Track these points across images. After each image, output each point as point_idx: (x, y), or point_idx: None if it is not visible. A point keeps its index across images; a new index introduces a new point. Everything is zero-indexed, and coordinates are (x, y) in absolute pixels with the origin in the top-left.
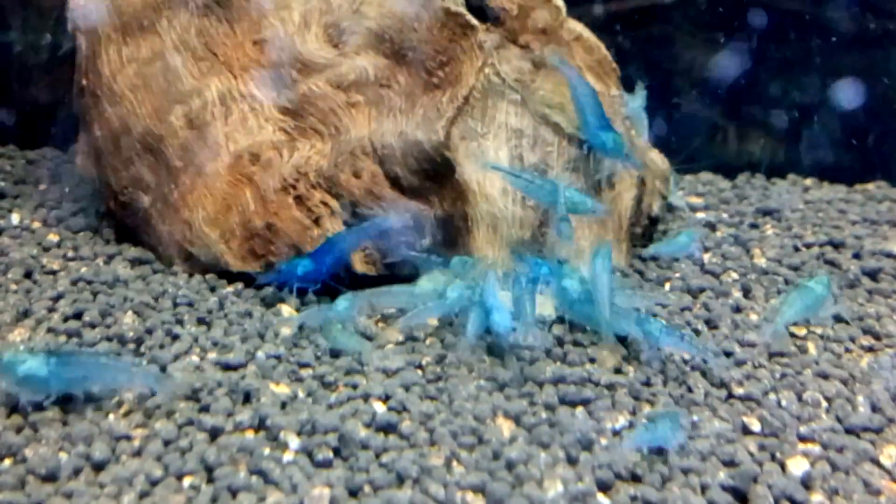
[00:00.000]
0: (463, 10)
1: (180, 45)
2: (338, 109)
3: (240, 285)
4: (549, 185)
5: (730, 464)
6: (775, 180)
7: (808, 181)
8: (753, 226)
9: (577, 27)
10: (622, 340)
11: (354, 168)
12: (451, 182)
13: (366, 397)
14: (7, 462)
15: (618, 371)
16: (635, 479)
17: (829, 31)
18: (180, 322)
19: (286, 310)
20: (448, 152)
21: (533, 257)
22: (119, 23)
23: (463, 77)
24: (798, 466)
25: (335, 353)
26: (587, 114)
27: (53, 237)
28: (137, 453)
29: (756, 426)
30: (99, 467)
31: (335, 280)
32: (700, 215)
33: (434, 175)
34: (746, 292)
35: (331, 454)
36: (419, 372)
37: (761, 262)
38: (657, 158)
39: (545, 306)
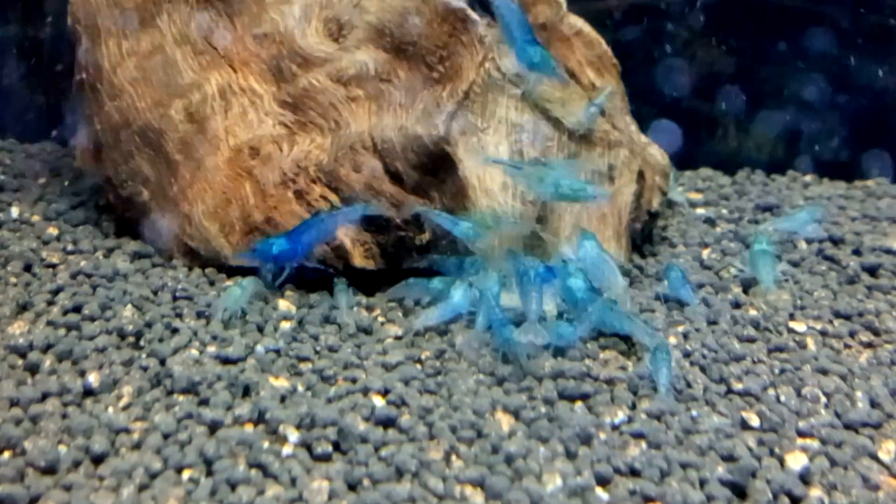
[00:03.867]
0: (463, 4)
1: (180, 39)
2: (338, 104)
3: (239, 279)
4: (549, 176)
5: (728, 458)
6: (775, 176)
7: (808, 177)
8: (753, 222)
9: (578, 22)
10: (624, 338)
11: (354, 162)
12: (452, 177)
13: (365, 391)
14: (6, 454)
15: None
16: (634, 473)
17: (829, 27)
18: (179, 316)
19: (284, 304)
20: (448, 147)
21: (531, 257)
22: (119, 16)
23: (463, 72)
24: (797, 461)
25: (334, 348)
26: (513, 30)
27: (53, 231)
28: (137, 446)
29: (755, 421)
30: (98, 460)
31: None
32: (700, 211)
33: (434, 170)
34: (745, 288)
35: (330, 448)
36: (418, 366)
37: None
38: (657, 153)
39: (546, 303)
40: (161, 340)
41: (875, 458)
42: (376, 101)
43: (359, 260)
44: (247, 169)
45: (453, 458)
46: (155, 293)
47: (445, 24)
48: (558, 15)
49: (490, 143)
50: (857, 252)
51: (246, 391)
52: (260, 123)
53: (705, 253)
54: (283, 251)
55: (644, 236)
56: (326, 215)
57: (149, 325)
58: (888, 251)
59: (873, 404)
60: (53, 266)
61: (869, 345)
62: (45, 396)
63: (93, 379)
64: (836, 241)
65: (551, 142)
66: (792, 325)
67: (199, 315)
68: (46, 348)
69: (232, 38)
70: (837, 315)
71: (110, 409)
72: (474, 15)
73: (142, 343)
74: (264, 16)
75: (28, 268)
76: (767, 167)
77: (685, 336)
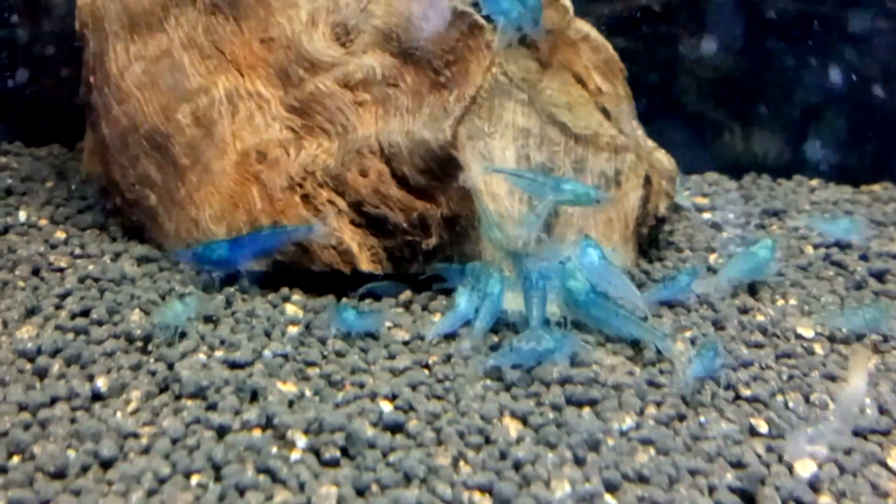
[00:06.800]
0: (470, 9)
1: (187, 43)
2: (345, 108)
3: (246, 284)
4: (551, 181)
5: (737, 465)
6: (781, 181)
7: (814, 182)
8: (760, 226)
9: (585, 27)
10: (633, 343)
11: (361, 167)
12: (458, 181)
13: (372, 396)
14: (16, 459)
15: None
16: (643, 480)
17: (835, 30)
18: (187, 320)
19: (291, 309)
20: (455, 151)
21: (536, 258)
22: (127, 20)
23: (470, 76)
24: (806, 468)
25: (341, 353)
26: None
27: (61, 234)
28: (145, 451)
29: (763, 428)
30: (107, 465)
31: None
32: (706, 216)
33: (441, 174)
34: (753, 293)
35: (338, 453)
36: (426, 371)
37: None
38: (663, 158)
39: (550, 306)
40: (169, 345)
41: (884, 465)
42: (383, 105)
43: (365, 264)
44: (254, 173)
45: (461, 463)
46: (162, 297)
47: (453, 28)
48: (565, 20)
49: (497, 148)
50: (864, 257)
51: (254, 396)
52: (267, 128)
53: (712, 258)
54: (221, 258)
55: (651, 241)
56: (271, 232)
57: (156, 325)
58: (895, 256)
59: (882, 411)
60: (61, 270)
61: (877, 350)
62: (53, 401)
63: (101, 383)
64: (843, 247)
65: (558, 147)
66: (800, 330)
67: (207, 319)
68: (55, 352)
69: (239, 43)
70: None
71: (119, 414)
72: (482, 19)
73: (150, 347)
74: (271, 20)
75: (36, 272)
76: (773, 171)
77: (692, 341)
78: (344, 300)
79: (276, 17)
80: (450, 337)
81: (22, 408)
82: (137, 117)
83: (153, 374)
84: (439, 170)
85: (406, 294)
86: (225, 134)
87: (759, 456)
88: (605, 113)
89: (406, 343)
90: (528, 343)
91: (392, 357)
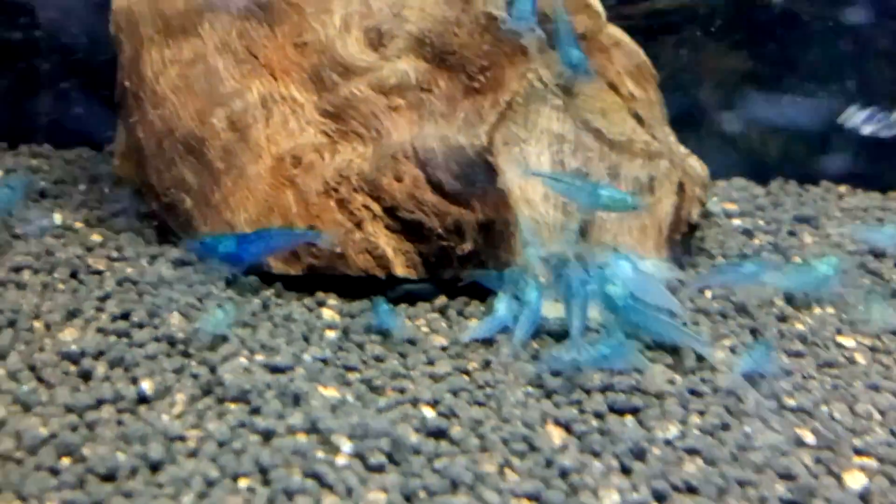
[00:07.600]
0: (505, 14)
1: (222, 48)
2: (379, 113)
3: (281, 288)
4: (588, 186)
5: (786, 476)
6: (808, 186)
7: (842, 188)
8: (791, 233)
9: (617, 33)
10: (672, 351)
11: (396, 172)
12: (493, 187)
13: (414, 402)
14: (66, 461)
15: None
16: (691, 490)
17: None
18: (227, 324)
19: (327, 313)
20: (491, 157)
21: (575, 263)
22: (161, 25)
23: (505, 82)
24: (855, 480)
25: (380, 358)
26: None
27: (97, 237)
28: (193, 454)
29: (810, 438)
30: (156, 467)
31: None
32: (736, 222)
33: (476, 180)
34: (790, 301)
35: (384, 459)
36: (466, 377)
37: None
38: (696, 165)
39: (590, 312)
40: (210, 348)
41: None
42: (418, 110)
43: (400, 269)
44: (289, 177)
45: (507, 471)
46: (200, 300)
47: (487, 34)
48: (597, 25)
49: (532, 154)
50: None
51: (296, 400)
52: (301, 132)
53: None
54: (228, 253)
55: (683, 248)
56: (282, 232)
57: (197, 332)
58: None
59: None
60: (99, 273)
61: None
62: (99, 403)
63: (146, 386)
64: (878, 255)
65: (592, 152)
66: (839, 339)
67: (245, 324)
68: (98, 355)
69: (273, 47)
70: (885, 330)
71: (165, 417)
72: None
73: (191, 351)
74: (305, 25)
75: (74, 274)
76: (800, 177)
77: (732, 350)
78: (381, 298)
79: (309, 21)
80: (487, 342)
81: (69, 410)
82: (173, 121)
83: (196, 377)
84: (475, 175)
85: (441, 299)
86: (260, 138)
87: (807, 467)
88: (639, 119)
89: (444, 349)
90: (569, 352)
91: (431, 363)
